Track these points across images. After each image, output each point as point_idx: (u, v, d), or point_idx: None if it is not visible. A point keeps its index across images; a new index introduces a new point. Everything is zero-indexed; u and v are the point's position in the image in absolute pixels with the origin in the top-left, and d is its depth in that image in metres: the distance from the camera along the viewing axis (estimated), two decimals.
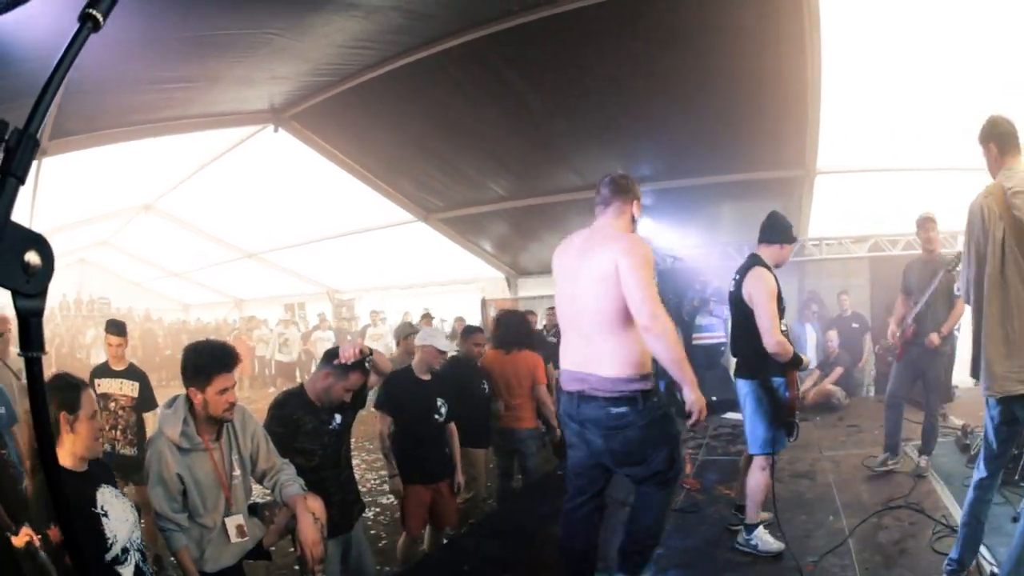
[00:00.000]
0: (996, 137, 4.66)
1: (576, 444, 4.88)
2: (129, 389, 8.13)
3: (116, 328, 8.33)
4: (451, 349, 7.27)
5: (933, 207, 11.01)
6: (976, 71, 8.52)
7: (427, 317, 19.27)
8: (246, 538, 4.56)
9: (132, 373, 8.30)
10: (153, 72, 8.79)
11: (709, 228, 13.15)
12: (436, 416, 7.04)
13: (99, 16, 1.36)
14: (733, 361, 6.42)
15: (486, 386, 8.31)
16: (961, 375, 12.29)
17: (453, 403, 7.23)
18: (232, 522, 4.49)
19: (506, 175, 13.62)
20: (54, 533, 3.42)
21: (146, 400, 8.23)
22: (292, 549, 4.99)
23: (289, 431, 5.35)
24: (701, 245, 13.44)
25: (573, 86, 10.13)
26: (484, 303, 19.81)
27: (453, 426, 7.33)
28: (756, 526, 5.92)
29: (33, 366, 1.28)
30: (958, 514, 6.26)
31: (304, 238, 19.89)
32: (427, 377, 7.04)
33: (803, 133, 10.25)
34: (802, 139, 10.42)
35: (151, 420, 8.09)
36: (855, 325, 12.99)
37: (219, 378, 4.29)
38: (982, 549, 5.03)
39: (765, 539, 5.87)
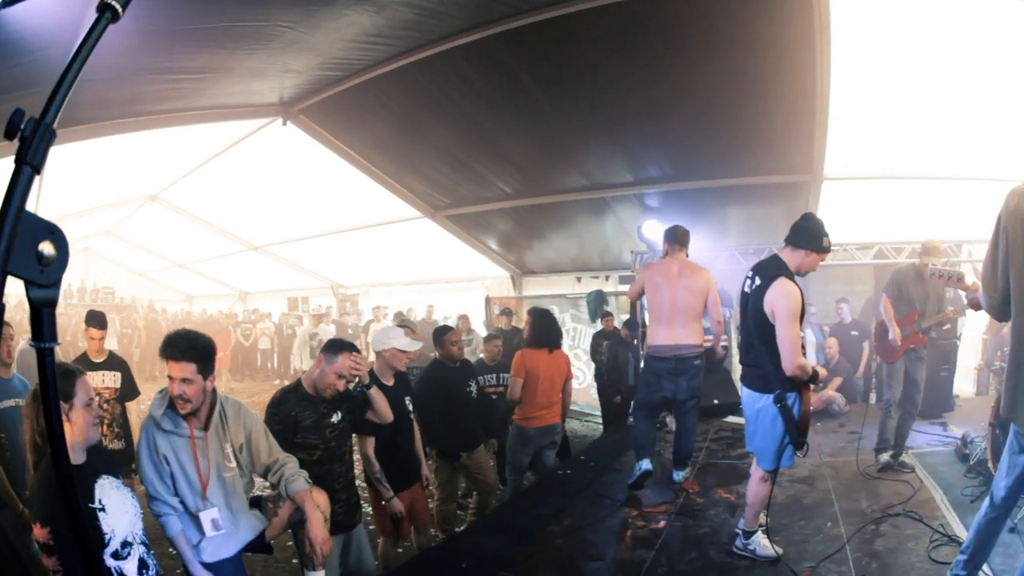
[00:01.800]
0: None
1: (657, 387, 7.96)
2: (111, 380, 8.07)
3: (98, 321, 8.28)
4: (413, 346, 7.13)
5: (938, 216, 11.04)
6: (984, 80, 8.52)
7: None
8: (221, 531, 4.51)
9: (112, 363, 8.24)
10: (162, 62, 8.79)
11: (715, 231, 13.12)
12: (410, 417, 7.03)
13: (118, 6, 1.37)
14: (737, 366, 6.59)
15: (472, 388, 8.29)
16: (961, 385, 12.30)
17: (414, 399, 7.22)
18: (207, 516, 4.45)
19: (514, 173, 13.65)
20: (39, 532, 3.42)
21: (128, 389, 8.19)
22: (291, 543, 4.99)
23: (288, 427, 5.36)
24: (707, 248, 13.42)
25: (583, 86, 10.15)
26: (488, 301, 19.80)
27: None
28: (754, 532, 5.92)
29: (46, 356, 1.29)
30: (956, 523, 6.29)
31: (310, 232, 19.94)
32: (391, 381, 6.89)
33: (811, 138, 10.24)
34: (810, 144, 10.41)
35: (134, 409, 8.15)
36: (854, 333, 12.96)
37: (169, 364, 4.28)
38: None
39: (763, 544, 5.85)
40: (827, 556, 5.81)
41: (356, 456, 6.19)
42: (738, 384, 6.58)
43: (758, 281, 5.62)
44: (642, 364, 8.80)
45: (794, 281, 5.46)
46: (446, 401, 7.84)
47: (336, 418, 5.67)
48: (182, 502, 4.39)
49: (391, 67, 9.89)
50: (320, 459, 5.47)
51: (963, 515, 6.44)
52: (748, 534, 5.92)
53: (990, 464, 7.16)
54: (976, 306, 5.24)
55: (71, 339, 21.15)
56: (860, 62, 8.72)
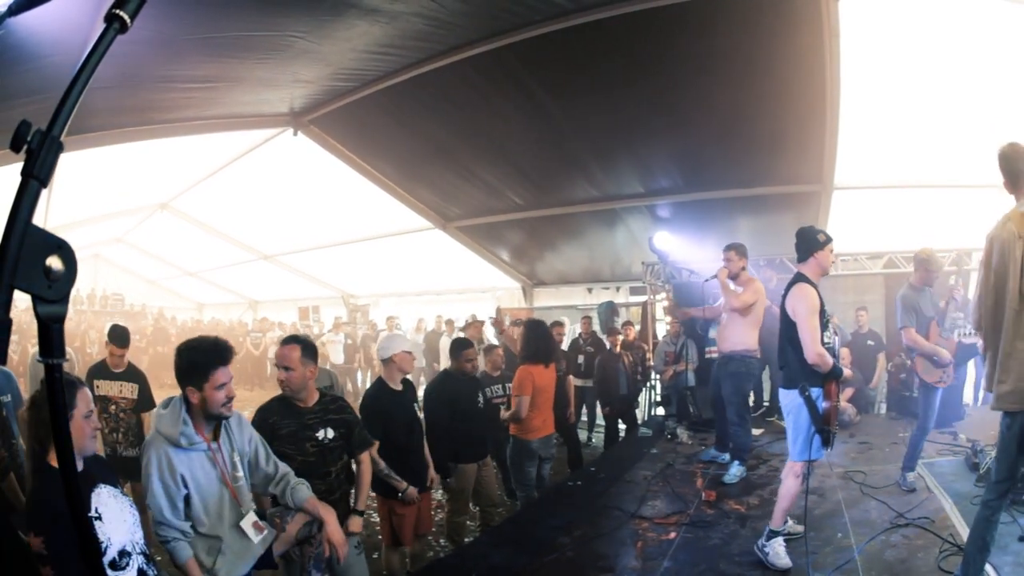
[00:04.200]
0: (1005, 173, 4.78)
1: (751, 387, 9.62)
2: (129, 391, 8.16)
3: (121, 340, 8.33)
4: (418, 348, 7.13)
5: (947, 225, 11.00)
6: (992, 88, 8.51)
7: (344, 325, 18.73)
8: (264, 533, 4.48)
9: (131, 374, 8.34)
10: (174, 71, 8.83)
11: (725, 242, 13.05)
12: (417, 424, 7.04)
13: (126, 17, 1.36)
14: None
15: (481, 399, 8.29)
16: (971, 393, 12.26)
17: (425, 409, 7.25)
18: (248, 521, 4.39)
19: (525, 184, 13.67)
20: (33, 542, 3.39)
21: (145, 401, 8.25)
22: (294, 558, 4.97)
23: (265, 434, 5.25)
24: (717, 259, 13.41)
25: (594, 97, 10.15)
26: (499, 312, 19.77)
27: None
28: (777, 535, 5.97)
29: (54, 372, 1.28)
30: (966, 533, 6.24)
31: (320, 242, 20.00)
32: (400, 387, 6.95)
33: (821, 148, 10.26)
34: (820, 154, 10.43)
35: (148, 420, 8.10)
36: (870, 343, 12.93)
37: (218, 372, 4.15)
38: (988, 568, 5.01)
39: (778, 551, 5.90)
40: (837, 567, 5.81)
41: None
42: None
43: (785, 293, 6.13)
44: (744, 368, 9.10)
45: (811, 285, 5.98)
46: (457, 412, 7.81)
47: (323, 435, 5.54)
48: (195, 528, 4.24)
49: (402, 78, 9.91)
50: (296, 471, 5.27)
51: None
52: (771, 534, 6.01)
53: None
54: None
55: (80, 345, 21.16)
56: (869, 72, 8.72)
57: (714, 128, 10.51)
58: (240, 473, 4.48)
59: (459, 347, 8.23)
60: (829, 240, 6.21)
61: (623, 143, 11.62)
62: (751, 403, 11.98)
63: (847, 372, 6.74)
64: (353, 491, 5.87)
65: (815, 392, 5.77)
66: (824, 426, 5.75)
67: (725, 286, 9.15)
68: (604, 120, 10.78)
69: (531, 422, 8.38)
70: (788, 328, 5.99)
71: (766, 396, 13.10)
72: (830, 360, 5.78)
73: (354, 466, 5.91)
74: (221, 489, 4.35)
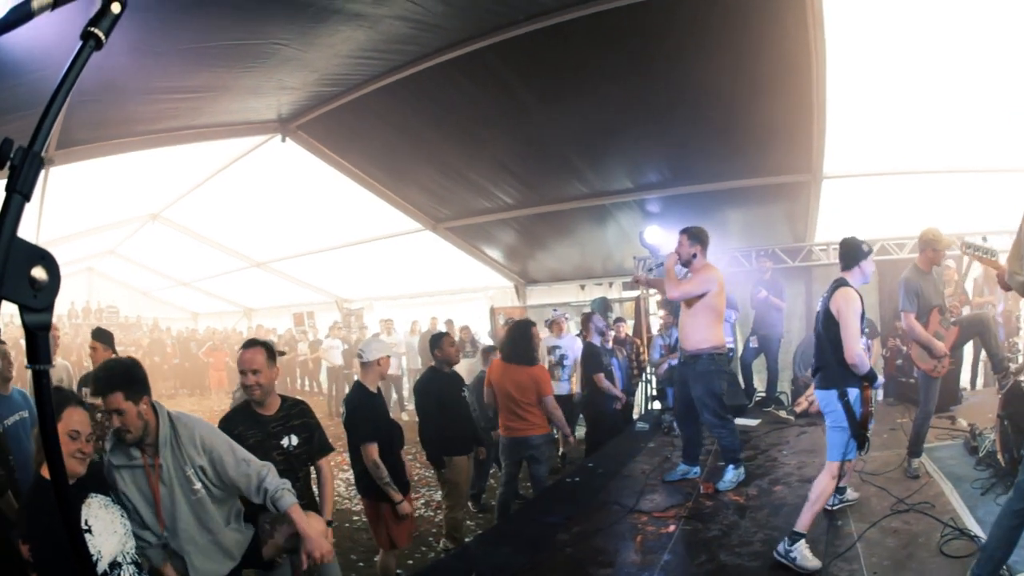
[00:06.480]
0: None
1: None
2: None
3: (103, 336, 8.37)
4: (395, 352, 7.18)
5: (939, 210, 10.99)
6: (981, 74, 8.52)
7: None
8: (239, 536, 4.54)
9: None
10: (160, 82, 8.84)
11: (717, 234, 13.03)
12: (396, 428, 7.07)
13: (100, 35, 1.39)
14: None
15: (466, 393, 8.34)
16: (968, 377, 12.25)
17: (416, 408, 7.23)
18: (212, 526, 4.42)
19: (513, 183, 13.66)
20: (23, 549, 3.39)
21: None
22: (279, 560, 4.98)
23: None
24: (709, 251, 13.38)
25: (579, 94, 10.17)
26: (493, 311, 19.77)
27: None
28: (801, 537, 5.84)
29: (41, 379, 1.30)
30: (967, 517, 6.27)
31: (312, 247, 19.95)
32: (376, 389, 7.01)
33: (810, 138, 10.26)
34: (809, 144, 10.43)
35: None
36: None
37: (99, 404, 4.16)
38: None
39: (805, 554, 5.77)
40: (838, 554, 5.83)
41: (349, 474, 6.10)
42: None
43: (825, 295, 6.42)
44: (714, 366, 8.32)
45: (855, 289, 6.26)
46: (444, 408, 7.94)
47: (288, 442, 5.56)
48: (159, 539, 4.25)
49: (387, 81, 9.94)
50: None
51: (973, 508, 6.43)
52: (794, 538, 5.85)
53: (999, 456, 7.15)
54: (1007, 287, 5.41)
55: (76, 359, 21.15)
56: (856, 59, 8.73)
57: (701, 121, 10.53)
58: (198, 486, 4.39)
59: (436, 339, 8.41)
60: (871, 250, 6.53)
61: (610, 139, 11.66)
62: (745, 396, 12.03)
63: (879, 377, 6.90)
64: (318, 499, 5.86)
65: (852, 394, 5.89)
66: (862, 430, 5.85)
67: (669, 272, 8.53)
68: (590, 116, 10.80)
69: (500, 419, 8.61)
70: (830, 328, 6.18)
71: (761, 386, 13.10)
72: (868, 362, 5.96)
73: (314, 473, 5.91)
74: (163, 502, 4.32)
